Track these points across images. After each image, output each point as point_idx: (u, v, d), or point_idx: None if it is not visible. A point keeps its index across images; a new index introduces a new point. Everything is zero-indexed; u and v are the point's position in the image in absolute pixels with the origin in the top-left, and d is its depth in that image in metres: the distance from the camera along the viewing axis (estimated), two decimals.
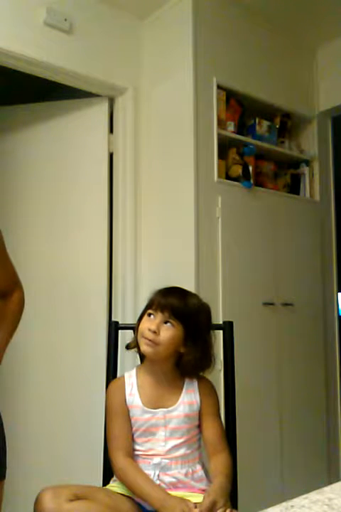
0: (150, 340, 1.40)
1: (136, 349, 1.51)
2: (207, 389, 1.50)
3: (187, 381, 1.49)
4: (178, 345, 1.44)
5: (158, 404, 1.45)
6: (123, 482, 1.38)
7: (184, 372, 1.48)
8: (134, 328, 1.51)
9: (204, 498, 1.27)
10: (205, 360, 1.48)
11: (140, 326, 1.45)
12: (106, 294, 2.67)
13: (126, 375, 1.51)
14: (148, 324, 1.42)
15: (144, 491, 1.32)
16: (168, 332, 1.41)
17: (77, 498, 1.28)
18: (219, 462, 1.40)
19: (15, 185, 2.81)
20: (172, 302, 1.42)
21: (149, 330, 1.40)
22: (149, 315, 1.44)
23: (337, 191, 3.18)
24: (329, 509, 0.71)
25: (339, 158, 3.22)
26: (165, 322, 1.41)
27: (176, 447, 1.42)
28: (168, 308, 1.41)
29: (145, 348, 1.42)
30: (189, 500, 1.26)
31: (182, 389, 1.47)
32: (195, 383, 1.49)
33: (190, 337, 1.44)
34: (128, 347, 1.54)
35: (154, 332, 1.40)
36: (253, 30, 2.81)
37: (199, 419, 1.47)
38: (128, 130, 2.75)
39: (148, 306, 1.46)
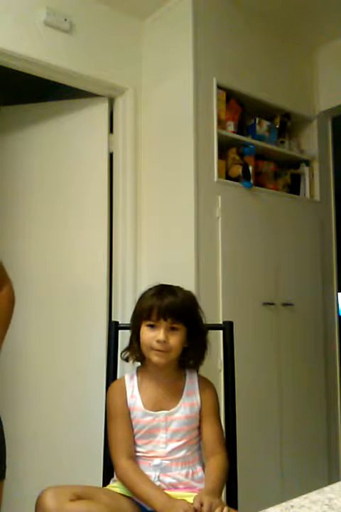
0: (161, 350, 1.41)
1: (134, 357, 1.51)
2: (207, 390, 1.51)
3: (187, 382, 1.49)
4: (184, 343, 1.45)
5: (159, 406, 1.45)
6: (125, 484, 1.38)
7: (188, 365, 1.50)
8: (131, 336, 1.50)
9: (196, 501, 1.25)
10: (204, 346, 1.50)
11: (144, 338, 1.43)
12: (106, 294, 2.67)
13: (127, 376, 1.51)
14: (153, 334, 1.41)
15: (146, 494, 1.32)
16: (176, 337, 1.42)
17: (78, 498, 1.28)
18: (214, 464, 1.41)
19: (15, 185, 2.81)
20: (172, 307, 1.41)
21: (158, 341, 1.40)
22: (151, 326, 1.42)
23: (337, 191, 3.18)
24: (329, 509, 0.71)
25: (339, 158, 3.21)
26: (171, 328, 1.41)
27: (177, 449, 1.42)
28: (169, 315, 1.41)
29: (157, 359, 1.42)
30: (189, 502, 1.26)
31: (182, 390, 1.48)
32: (196, 384, 1.50)
33: (192, 331, 1.46)
34: (127, 360, 1.53)
35: (164, 342, 1.40)
36: (253, 30, 2.81)
37: (199, 420, 1.48)
38: (128, 130, 2.75)
39: (147, 316, 1.42)
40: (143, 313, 1.44)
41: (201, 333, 1.49)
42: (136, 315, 1.49)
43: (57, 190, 2.77)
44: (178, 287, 1.50)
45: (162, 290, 1.46)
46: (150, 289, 1.49)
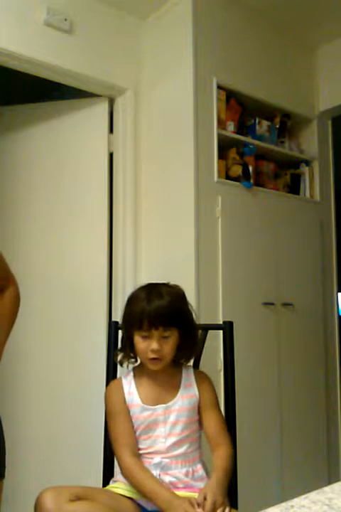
0: (156, 358, 1.41)
1: (127, 361, 1.51)
2: (204, 382, 1.52)
3: (184, 376, 1.51)
4: (177, 343, 1.46)
5: (157, 400, 1.46)
6: (129, 481, 1.39)
7: (183, 359, 1.51)
8: (124, 341, 1.50)
9: (200, 495, 1.27)
10: (195, 340, 1.52)
11: (139, 349, 1.43)
12: (106, 294, 2.67)
13: (123, 375, 1.52)
14: (147, 344, 1.41)
15: (151, 490, 1.32)
16: (169, 344, 1.43)
17: (77, 498, 1.28)
18: (219, 456, 1.41)
19: (15, 185, 2.81)
20: (162, 314, 1.40)
21: (152, 351, 1.40)
22: (144, 336, 1.42)
23: (337, 191, 3.18)
24: (329, 509, 0.71)
25: (339, 158, 3.22)
26: (163, 336, 1.41)
27: (177, 444, 1.43)
28: (160, 323, 1.40)
29: (153, 367, 1.44)
30: (194, 500, 1.26)
31: (180, 384, 1.49)
32: (192, 377, 1.51)
33: (183, 329, 1.46)
34: (121, 364, 1.54)
35: (158, 350, 1.41)
36: (253, 30, 2.81)
37: (199, 413, 1.48)
38: (128, 130, 2.75)
39: (139, 327, 1.41)
40: (134, 323, 1.43)
41: (193, 329, 1.50)
42: (127, 321, 1.48)
43: (57, 190, 2.77)
44: (165, 286, 1.49)
45: (150, 293, 1.44)
46: (137, 292, 1.48)
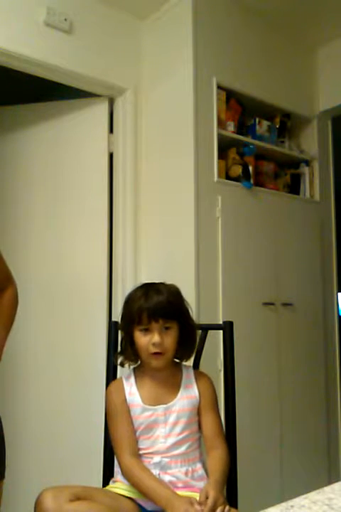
0: (158, 353, 1.41)
1: (128, 361, 1.51)
2: (205, 383, 1.52)
3: (184, 376, 1.51)
4: (177, 339, 1.47)
5: (158, 401, 1.46)
6: (130, 481, 1.39)
7: (183, 356, 1.51)
8: (124, 341, 1.50)
9: (202, 494, 1.28)
10: (194, 338, 1.53)
11: (140, 344, 1.44)
12: (106, 294, 2.67)
13: (124, 376, 1.52)
14: (148, 338, 1.42)
15: (151, 489, 1.32)
16: (170, 336, 1.43)
17: (77, 498, 1.28)
18: (215, 458, 1.41)
19: (15, 185, 2.81)
20: (161, 307, 1.41)
21: (154, 345, 1.41)
22: (144, 330, 1.42)
23: (337, 191, 3.18)
24: (329, 509, 0.71)
25: (339, 158, 3.22)
26: (164, 328, 1.42)
27: (176, 445, 1.43)
28: (160, 316, 1.41)
29: (156, 363, 1.44)
30: (194, 499, 1.27)
31: (180, 384, 1.49)
32: (192, 377, 1.51)
33: (182, 324, 1.47)
34: (122, 365, 1.54)
35: (160, 343, 1.41)
36: (253, 30, 2.81)
37: (199, 414, 1.48)
38: (128, 130, 2.75)
39: (139, 321, 1.42)
40: (133, 318, 1.44)
41: (191, 326, 1.51)
42: (126, 320, 1.49)
43: (57, 190, 2.77)
44: (162, 284, 1.50)
45: (147, 291, 1.45)
46: (135, 291, 1.49)
